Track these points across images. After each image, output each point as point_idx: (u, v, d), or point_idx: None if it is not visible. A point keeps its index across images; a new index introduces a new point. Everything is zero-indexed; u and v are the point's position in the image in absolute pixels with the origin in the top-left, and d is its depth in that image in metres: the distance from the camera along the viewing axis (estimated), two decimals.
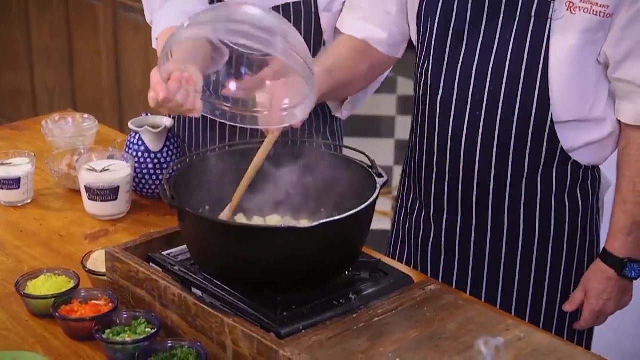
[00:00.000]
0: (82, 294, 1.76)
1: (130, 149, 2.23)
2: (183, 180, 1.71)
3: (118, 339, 1.63)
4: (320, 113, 2.34)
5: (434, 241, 2.08)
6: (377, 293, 1.67)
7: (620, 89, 1.91)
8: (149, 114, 2.28)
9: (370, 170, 1.73)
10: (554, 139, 1.92)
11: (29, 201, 2.27)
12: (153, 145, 2.21)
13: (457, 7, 1.93)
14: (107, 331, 1.65)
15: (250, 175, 1.75)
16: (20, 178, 2.23)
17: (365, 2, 2.10)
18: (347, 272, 1.70)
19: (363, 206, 1.62)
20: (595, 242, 2.07)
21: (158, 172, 2.20)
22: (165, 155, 2.21)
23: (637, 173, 1.91)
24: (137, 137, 2.22)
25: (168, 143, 2.22)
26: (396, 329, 1.57)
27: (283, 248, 1.57)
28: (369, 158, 1.76)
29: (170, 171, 1.71)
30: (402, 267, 1.85)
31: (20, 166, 2.26)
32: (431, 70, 1.97)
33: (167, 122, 2.22)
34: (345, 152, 1.89)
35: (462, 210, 2.02)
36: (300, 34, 2.10)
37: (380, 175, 1.70)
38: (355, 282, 1.69)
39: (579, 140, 1.95)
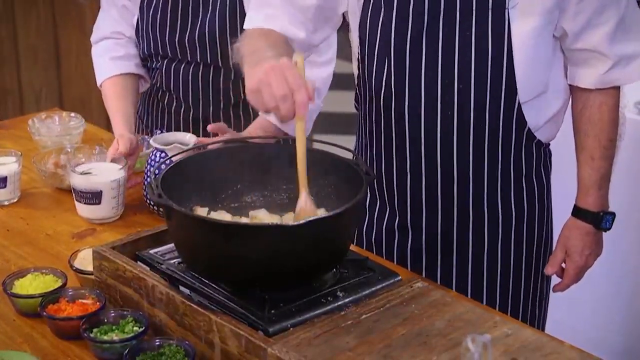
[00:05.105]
0: (70, 293, 1.76)
1: (152, 166, 2.10)
2: (170, 179, 1.71)
3: (106, 337, 1.63)
4: None
5: (412, 245, 2.08)
6: (364, 290, 1.67)
7: (578, 57, 1.97)
8: (164, 131, 2.26)
9: (357, 168, 1.73)
10: (521, 121, 1.96)
11: (15, 200, 2.26)
12: None
13: (412, 12, 1.90)
14: (95, 330, 1.65)
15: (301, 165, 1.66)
16: (6, 177, 2.22)
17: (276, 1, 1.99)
18: (334, 270, 1.71)
19: (350, 204, 1.62)
20: (551, 217, 2.13)
21: None
22: None
23: (600, 130, 2.00)
24: (162, 156, 2.09)
25: None
26: (384, 326, 1.57)
27: (270, 246, 1.57)
28: (355, 155, 1.76)
29: (158, 170, 1.71)
30: (390, 265, 1.85)
31: (6, 165, 2.25)
32: (393, 79, 1.95)
33: (191, 139, 2.15)
34: (330, 149, 1.89)
35: (441, 211, 2.03)
36: (225, 14, 2.29)
37: (367, 174, 1.70)
38: (343, 280, 1.69)
39: (541, 117, 1.99)
